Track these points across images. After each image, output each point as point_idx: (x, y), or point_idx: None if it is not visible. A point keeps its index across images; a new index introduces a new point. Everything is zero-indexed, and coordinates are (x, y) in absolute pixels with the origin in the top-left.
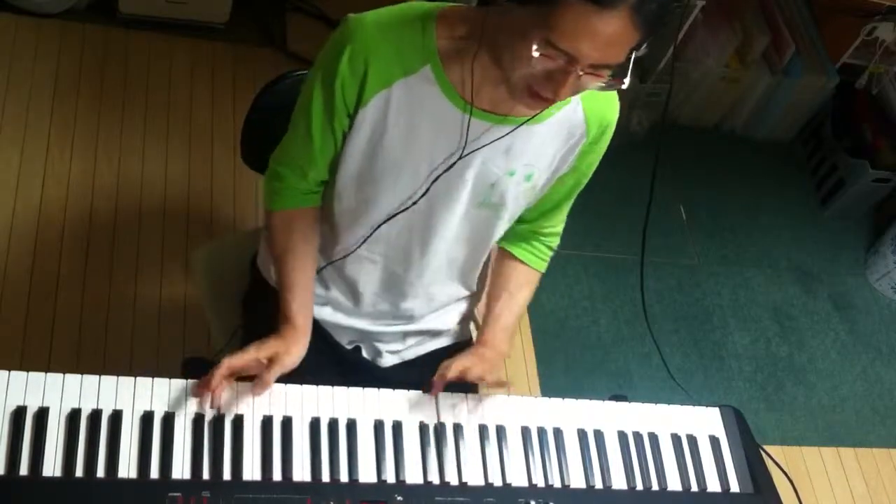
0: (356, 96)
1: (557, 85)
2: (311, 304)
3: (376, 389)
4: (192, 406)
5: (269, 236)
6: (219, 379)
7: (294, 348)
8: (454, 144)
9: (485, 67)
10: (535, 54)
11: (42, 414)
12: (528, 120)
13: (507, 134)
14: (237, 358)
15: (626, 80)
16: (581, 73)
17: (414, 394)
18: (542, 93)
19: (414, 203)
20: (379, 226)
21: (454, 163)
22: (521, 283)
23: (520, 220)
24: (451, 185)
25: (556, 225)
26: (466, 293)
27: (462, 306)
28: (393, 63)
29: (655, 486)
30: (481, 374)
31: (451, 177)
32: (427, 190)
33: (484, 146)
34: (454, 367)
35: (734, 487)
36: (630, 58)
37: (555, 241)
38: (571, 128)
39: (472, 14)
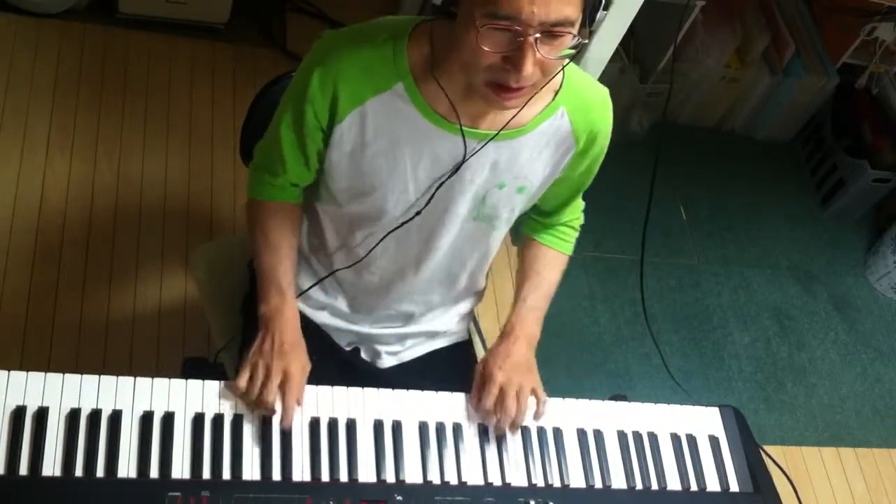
0: (328, 113)
1: (517, 64)
2: (289, 298)
3: (376, 389)
4: (191, 406)
5: (246, 221)
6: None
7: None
8: (437, 160)
9: (453, 81)
10: (481, 29)
11: (42, 414)
12: (502, 132)
13: (481, 148)
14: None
15: (585, 34)
16: (534, 38)
17: (413, 393)
18: (507, 81)
19: (410, 219)
20: (377, 243)
21: (443, 182)
22: (549, 264)
23: (540, 214)
24: (442, 200)
25: (576, 211)
26: (466, 297)
27: (462, 308)
28: (363, 82)
29: (655, 486)
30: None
31: (441, 192)
32: (422, 207)
33: (464, 161)
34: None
35: (734, 487)
36: (587, 9)
37: (578, 223)
38: (559, 139)
39: (435, 28)
